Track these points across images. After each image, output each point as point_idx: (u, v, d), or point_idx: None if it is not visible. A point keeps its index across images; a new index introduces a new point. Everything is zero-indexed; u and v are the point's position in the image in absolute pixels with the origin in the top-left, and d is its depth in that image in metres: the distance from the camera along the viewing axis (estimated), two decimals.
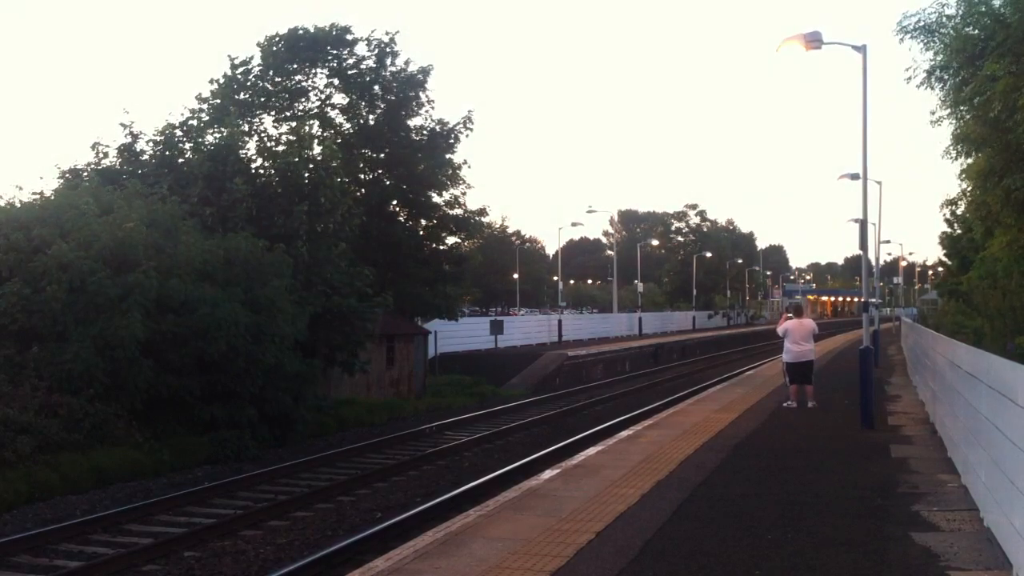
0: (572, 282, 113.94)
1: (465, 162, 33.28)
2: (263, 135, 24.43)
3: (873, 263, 39.01)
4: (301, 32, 31.02)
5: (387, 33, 32.04)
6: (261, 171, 23.10)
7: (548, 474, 10.88)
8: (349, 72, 31.37)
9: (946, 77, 17.03)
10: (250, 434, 18.17)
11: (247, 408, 18.28)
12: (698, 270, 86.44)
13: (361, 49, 31.52)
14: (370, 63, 31.58)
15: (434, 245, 33.48)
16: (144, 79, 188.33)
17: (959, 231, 37.92)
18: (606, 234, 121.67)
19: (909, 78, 17.50)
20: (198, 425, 17.79)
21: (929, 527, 8.00)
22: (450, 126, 32.45)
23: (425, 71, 32.18)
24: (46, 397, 15.38)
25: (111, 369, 16.20)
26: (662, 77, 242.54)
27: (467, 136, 32.83)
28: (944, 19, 16.89)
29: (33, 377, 15.80)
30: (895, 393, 20.66)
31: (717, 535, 7.71)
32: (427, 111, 32.31)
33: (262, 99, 30.41)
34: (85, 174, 21.84)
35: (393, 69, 31.86)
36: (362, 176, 31.34)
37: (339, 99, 31.91)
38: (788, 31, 36.56)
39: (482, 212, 34.48)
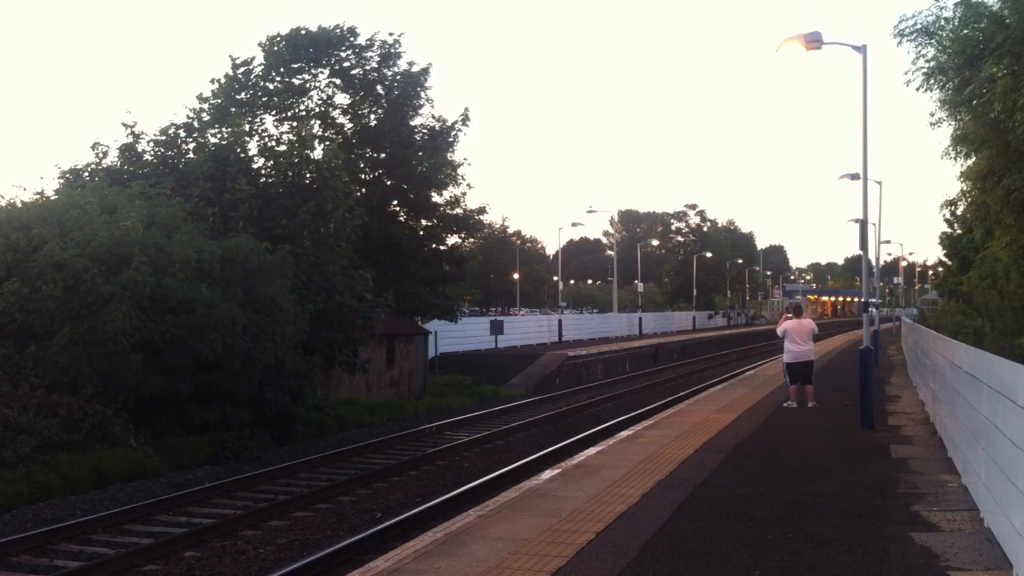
0: (572, 282, 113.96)
1: (465, 159, 33.53)
2: (264, 135, 24.41)
3: (873, 263, 39.01)
4: (303, 32, 31.04)
5: (392, 35, 32.16)
6: (263, 171, 23.10)
7: (548, 474, 10.88)
8: (352, 72, 31.39)
9: (944, 79, 17.03)
10: (249, 434, 18.15)
11: (241, 411, 18.23)
12: (698, 270, 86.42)
13: (365, 50, 31.55)
14: (373, 64, 31.62)
15: (434, 245, 33.50)
16: (146, 79, 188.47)
17: (959, 231, 37.93)
18: (606, 234, 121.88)
19: (908, 80, 17.51)
20: (197, 426, 17.77)
21: (929, 527, 8.01)
22: (449, 123, 32.54)
23: (425, 69, 32.25)
24: (45, 397, 15.37)
25: (103, 366, 16.11)
26: (662, 77, 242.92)
27: (465, 133, 32.92)
28: (942, 21, 16.90)
29: (31, 376, 15.80)
30: (895, 393, 20.65)
31: (717, 535, 7.71)
32: (427, 110, 32.41)
33: (263, 99, 30.42)
34: (86, 174, 21.81)
35: (396, 70, 31.92)
36: (363, 176, 31.35)
37: (341, 99, 32.00)
38: (788, 31, 36.62)
39: (482, 210, 34.51)
